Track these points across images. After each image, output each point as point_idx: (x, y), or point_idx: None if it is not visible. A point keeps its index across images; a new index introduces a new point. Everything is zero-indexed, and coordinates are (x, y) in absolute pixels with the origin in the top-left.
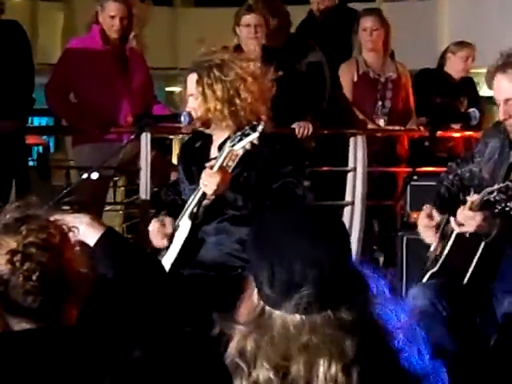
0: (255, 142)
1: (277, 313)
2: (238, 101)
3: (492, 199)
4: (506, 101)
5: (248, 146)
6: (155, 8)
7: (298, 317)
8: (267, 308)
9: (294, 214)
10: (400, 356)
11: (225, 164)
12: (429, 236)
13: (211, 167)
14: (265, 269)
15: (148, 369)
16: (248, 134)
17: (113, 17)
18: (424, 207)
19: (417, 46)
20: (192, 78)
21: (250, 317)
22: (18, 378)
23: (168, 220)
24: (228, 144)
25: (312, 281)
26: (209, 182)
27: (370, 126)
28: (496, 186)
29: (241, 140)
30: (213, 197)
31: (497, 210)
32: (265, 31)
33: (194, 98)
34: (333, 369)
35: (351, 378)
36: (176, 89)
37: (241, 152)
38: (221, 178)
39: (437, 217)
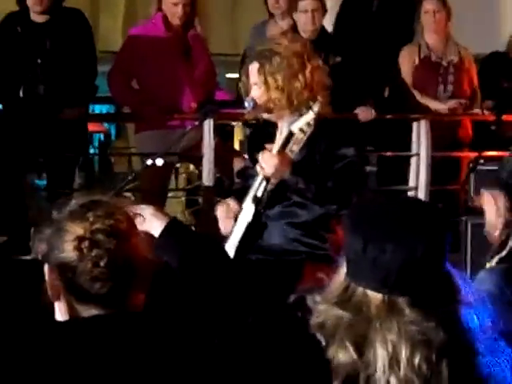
0: (311, 122)
1: (360, 289)
2: (298, 88)
3: None
4: None
5: (305, 127)
6: None
7: (380, 296)
8: (352, 285)
9: (400, 201)
10: (480, 359)
11: (288, 148)
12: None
13: (270, 149)
14: (358, 243)
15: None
16: (303, 114)
17: (176, 4)
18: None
19: (480, 29)
20: (254, 67)
21: (334, 292)
22: (87, 365)
23: (233, 203)
24: (285, 126)
25: (400, 263)
26: (266, 164)
27: (435, 105)
28: None
29: (296, 120)
30: (274, 180)
31: None
32: (322, 16)
33: (257, 87)
34: (416, 358)
35: (436, 369)
36: (236, 75)
37: (297, 131)
38: (279, 161)
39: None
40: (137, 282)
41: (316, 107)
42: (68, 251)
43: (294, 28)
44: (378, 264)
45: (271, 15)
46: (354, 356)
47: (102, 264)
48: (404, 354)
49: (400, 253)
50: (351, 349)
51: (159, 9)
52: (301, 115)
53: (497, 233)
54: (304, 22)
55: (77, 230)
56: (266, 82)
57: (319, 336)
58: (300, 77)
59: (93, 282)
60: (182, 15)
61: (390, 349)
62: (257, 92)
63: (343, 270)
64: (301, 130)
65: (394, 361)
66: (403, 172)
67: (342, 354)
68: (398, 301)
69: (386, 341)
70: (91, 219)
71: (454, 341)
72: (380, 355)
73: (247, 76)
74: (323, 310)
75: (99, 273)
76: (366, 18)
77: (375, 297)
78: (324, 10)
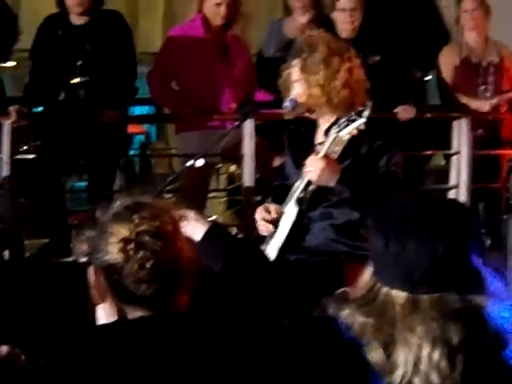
0: (362, 127)
1: (385, 289)
2: (337, 86)
3: None
4: None
5: (354, 132)
6: None
7: (404, 295)
8: (378, 284)
9: (424, 200)
10: (506, 354)
11: (330, 150)
12: None
13: (317, 153)
14: (380, 241)
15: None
16: (354, 120)
17: (219, 4)
18: None
19: None
20: (296, 64)
21: (359, 293)
22: (133, 366)
23: (273, 207)
24: (334, 130)
25: (424, 260)
26: (313, 167)
27: (477, 105)
28: None
29: (347, 126)
30: (318, 184)
31: None
32: (360, 15)
33: (299, 84)
34: (436, 354)
35: (455, 365)
36: None
37: (347, 137)
38: (325, 165)
39: None
40: (182, 284)
41: (367, 112)
42: (113, 253)
43: (313, 23)
44: (400, 261)
45: (288, 11)
46: (384, 358)
47: (147, 266)
48: (426, 352)
49: (422, 250)
50: (381, 350)
51: (199, 10)
52: (350, 120)
53: None
54: (342, 21)
55: (122, 231)
56: (307, 79)
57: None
58: (339, 75)
59: (138, 284)
60: (224, 15)
61: (415, 349)
62: (299, 89)
63: (369, 270)
64: (349, 133)
65: (418, 361)
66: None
67: (374, 356)
68: (422, 301)
69: (410, 341)
70: (136, 221)
71: (477, 338)
72: (405, 356)
73: (288, 73)
74: (349, 310)
75: (145, 275)
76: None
77: (399, 296)
78: (363, 9)
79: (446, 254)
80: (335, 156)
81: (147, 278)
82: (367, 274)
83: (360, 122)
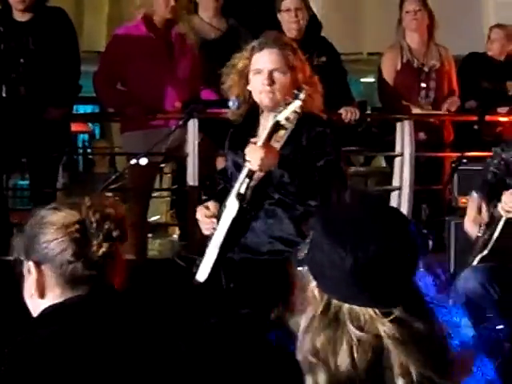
0: (298, 110)
1: (346, 306)
2: (300, 80)
3: None
4: None
5: (291, 116)
6: None
7: (370, 311)
8: (334, 301)
9: (372, 208)
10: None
11: (272, 141)
12: (474, 231)
13: (255, 142)
14: (337, 254)
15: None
16: (290, 103)
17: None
18: (473, 197)
19: (460, 31)
20: (279, 54)
21: (314, 311)
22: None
23: (212, 204)
24: (271, 118)
25: (385, 271)
26: (252, 156)
27: (415, 110)
28: None
29: (283, 110)
30: (259, 174)
31: None
32: (305, 15)
33: (279, 73)
34: (413, 375)
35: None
36: None
37: (284, 122)
38: (265, 153)
39: (484, 212)
40: (118, 269)
41: (302, 95)
42: (52, 242)
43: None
44: (363, 277)
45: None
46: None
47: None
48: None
49: (382, 259)
50: (350, 367)
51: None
52: (286, 104)
53: (475, 233)
54: (288, 21)
55: (60, 220)
56: (289, 69)
57: (313, 359)
58: (301, 72)
59: (79, 267)
60: (174, 7)
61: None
62: (282, 78)
63: (313, 285)
64: (287, 119)
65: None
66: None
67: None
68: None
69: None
70: (88, 204)
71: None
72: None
73: (240, 72)
74: (312, 332)
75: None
76: None
77: (364, 312)
78: (308, 10)
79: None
80: (279, 142)
81: (88, 262)
82: (315, 291)
83: (296, 104)
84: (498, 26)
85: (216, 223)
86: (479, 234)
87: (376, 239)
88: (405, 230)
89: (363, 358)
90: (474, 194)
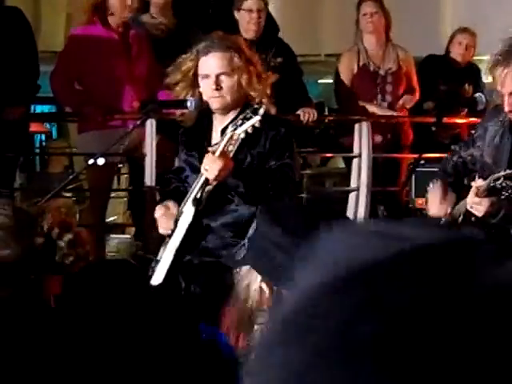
0: (257, 125)
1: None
2: (245, 83)
3: (498, 186)
4: (511, 94)
5: (250, 130)
6: None
7: None
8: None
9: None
10: None
11: (226, 148)
12: (442, 211)
13: (213, 152)
14: (283, 240)
15: None
16: (250, 118)
17: None
18: (435, 184)
19: (420, 32)
20: (224, 56)
21: (265, 305)
22: None
23: (172, 204)
24: (230, 128)
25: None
26: (210, 167)
27: (374, 109)
28: (502, 173)
29: (242, 124)
30: (215, 182)
31: (503, 197)
32: (265, 16)
33: (225, 76)
34: None
35: None
36: None
37: (242, 136)
38: (223, 164)
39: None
40: None
41: (262, 110)
42: None
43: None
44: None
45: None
46: None
47: None
48: None
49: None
50: None
51: (100, 10)
52: (245, 118)
53: (443, 212)
54: (247, 22)
55: None
56: (235, 71)
57: None
58: (246, 73)
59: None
60: (131, 5)
61: None
62: (229, 81)
63: (258, 280)
64: (245, 132)
65: None
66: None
67: None
68: None
69: None
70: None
71: None
72: None
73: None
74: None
75: None
76: None
77: None
78: (267, 11)
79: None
80: (231, 153)
81: None
82: (261, 282)
83: (255, 119)
84: (465, 30)
85: (174, 224)
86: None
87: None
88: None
89: None
90: (436, 182)
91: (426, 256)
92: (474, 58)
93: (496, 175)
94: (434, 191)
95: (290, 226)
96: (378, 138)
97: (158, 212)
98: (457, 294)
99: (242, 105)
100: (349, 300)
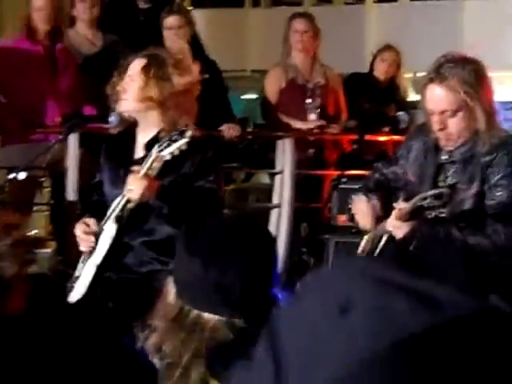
0: (183, 147)
1: (195, 312)
2: (171, 98)
3: (425, 205)
4: (442, 112)
5: (176, 152)
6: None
7: (216, 317)
8: (186, 307)
9: (236, 226)
10: None
11: (150, 169)
12: (368, 223)
13: (137, 172)
14: (197, 265)
15: None
16: (176, 140)
17: (42, 7)
18: (358, 197)
19: (345, 50)
20: (140, 63)
21: (167, 316)
22: None
23: (92, 221)
24: (156, 149)
25: (240, 286)
26: (135, 187)
27: (297, 125)
28: (430, 192)
29: (169, 146)
30: (138, 202)
31: (430, 216)
32: (188, 32)
33: (135, 84)
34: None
35: None
36: None
37: (168, 157)
38: (147, 184)
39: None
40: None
41: (189, 133)
42: None
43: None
44: (219, 287)
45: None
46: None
47: None
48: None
49: (239, 276)
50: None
51: (26, 21)
52: (172, 140)
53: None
54: (169, 39)
55: None
56: (148, 82)
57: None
58: (165, 86)
59: None
60: (49, 19)
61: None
62: (135, 90)
63: (173, 292)
64: (171, 154)
65: None
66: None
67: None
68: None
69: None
70: None
71: None
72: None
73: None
74: (159, 333)
75: None
76: None
77: (209, 318)
78: (192, 26)
79: (256, 279)
80: (153, 174)
81: None
82: (172, 298)
83: (182, 142)
84: (389, 47)
85: (95, 241)
86: (360, 248)
87: (230, 254)
88: (262, 249)
89: None
90: (357, 195)
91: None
92: (399, 75)
93: (423, 194)
94: (359, 203)
95: (198, 251)
96: (310, 152)
97: (78, 230)
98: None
99: (169, 120)
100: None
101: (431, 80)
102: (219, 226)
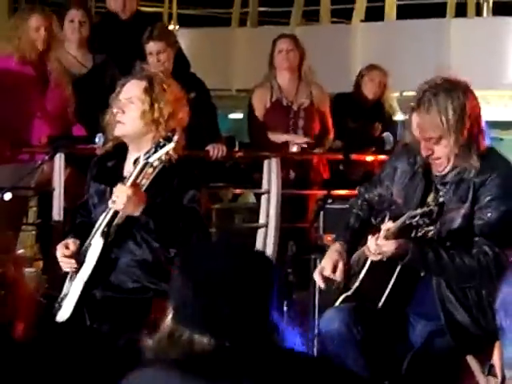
0: (171, 152)
1: (187, 333)
2: (165, 117)
3: (414, 223)
4: (427, 139)
5: (163, 157)
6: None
7: (207, 340)
8: (181, 328)
9: (232, 251)
10: None
11: (138, 180)
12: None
13: (124, 182)
14: (189, 289)
15: None
16: (164, 145)
17: (38, 28)
18: (334, 247)
19: (330, 69)
20: (141, 84)
21: (160, 335)
22: None
23: (71, 242)
24: (142, 157)
25: (228, 311)
26: (119, 196)
27: (284, 138)
28: (419, 211)
29: (155, 152)
30: (124, 214)
31: (419, 234)
32: (171, 54)
33: (134, 106)
34: None
35: None
36: None
37: (156, 163)
38: (132, 193)
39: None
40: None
41: (175, 137)
42: None
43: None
44: (207, 311)
45: None
46: None
47: None
48: None
49: (228, 301)
50: None
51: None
52: (159, 146)
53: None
54: (152, 64)
55: None
56: (151, 104)
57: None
58: (166, 107)
59: None
60: (44, 39)
61: None
62: (136, 113)
63: (170, 315)
64: (159, 159)
65: None
66: None
67: None
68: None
69: None
70: None
71: None
72: None
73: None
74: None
75: None
76: None
77: (199, 340)
78: (174, 47)
79: (250, 305)
80: (143, 185)
81: None
82: (168, 319)
83: (169, 146)
84: (376, 67)
85: (75, 262)
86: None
87: (222, 279)
88: (256, 276)
89: None
90: (336, 244)
91: None
92: (386, 95)
93: (413, 212)
94: (331, 253)
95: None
96: (292, 175)
97: (58, 252)
98: None
99: (155, 137)
100: None
101: (414, 109)
102: (215, 250)
